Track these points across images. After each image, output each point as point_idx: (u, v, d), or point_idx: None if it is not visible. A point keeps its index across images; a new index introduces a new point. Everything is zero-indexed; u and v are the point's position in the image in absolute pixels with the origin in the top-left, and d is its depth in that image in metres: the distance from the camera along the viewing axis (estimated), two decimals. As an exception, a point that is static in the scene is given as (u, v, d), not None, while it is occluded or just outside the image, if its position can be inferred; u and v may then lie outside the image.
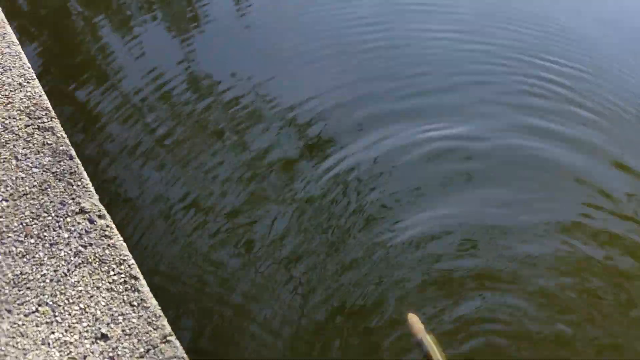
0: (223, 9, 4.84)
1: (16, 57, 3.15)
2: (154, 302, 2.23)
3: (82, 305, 2.20)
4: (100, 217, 2.48)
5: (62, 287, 2.24)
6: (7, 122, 2.81)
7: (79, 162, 2.68)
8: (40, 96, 2.96)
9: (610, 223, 3.39)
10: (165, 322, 2.18)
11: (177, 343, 2.13)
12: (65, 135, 2.79)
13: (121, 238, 2.43)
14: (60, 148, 2.72)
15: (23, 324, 2.14)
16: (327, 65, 4.43)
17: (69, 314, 2.17)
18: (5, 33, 3.31)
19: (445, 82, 4.37)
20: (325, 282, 3.02)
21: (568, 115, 4.17)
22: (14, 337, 2.10)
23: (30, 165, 2.64)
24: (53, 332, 2.12)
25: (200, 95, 4.08)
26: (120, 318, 2.17)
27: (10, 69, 3.08)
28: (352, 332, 2.86)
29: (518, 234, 3.34)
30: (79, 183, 2.59)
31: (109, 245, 2.38)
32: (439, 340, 2.75)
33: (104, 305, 2.20)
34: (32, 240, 2.37)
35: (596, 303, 2.99)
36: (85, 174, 2.64)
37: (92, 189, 2.58)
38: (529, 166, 3.77)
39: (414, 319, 2.93)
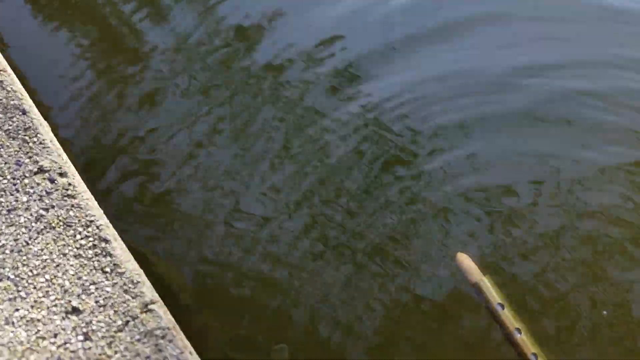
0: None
1: (-45, 5, 2.78)
2: (130, 266, 1.96)
3: (48, 277, 1.92)
4: (61, 175, 2.17)
5: (25, 257, 1.96)
6: (-51, 78, 2.47)
7: (33, 116, 2.36)
8: (-15, 47, 2.61)
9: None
10: (144, 288, 1.91)
11: (160, 312, 1.86)
12: (16, 89, 2.46)
13: (86, 197, 2.13)
14: (12, 103, 2.40)
15: (-16, 303, 1.87)
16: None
17: (34, 288, 1.90)
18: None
19: None
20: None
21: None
22: (-26, 319, 1.84)
23: (-21, 124, 2.32)
24: (17, 310, 1.85)
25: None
26: (92, 288, 1.90)
27: (-51, 19, 2.71)
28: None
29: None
30: (35, 139, 2.28)
31: (73, 205, 2.09)
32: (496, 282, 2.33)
33: (73, 275, 1.93)
34: (-13, 208, 2.08)
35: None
36: (41, 128, 2.32)
37: (50, 144, 2.27)
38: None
39: (463, 259, 2.43)
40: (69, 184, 2.14)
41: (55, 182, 2.15)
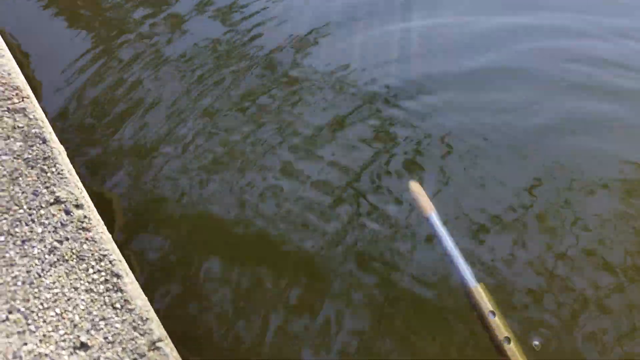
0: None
1: (-17, 33, 2.84)
2: (140, 302, 1.94)
3: (58, 310, 1.92)
4: (77, 207, 2.18)
5: (36, 290, 1.96)
6: (-27, 105, 2.51)
7: (53, 145, 2.38)
8: (10, 74, 2.65)
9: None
10: (153, 325, 1.89)
11: (167, 350, 1.84)
12: (38, 117, 2.48)
13: (101, 230, 2.13)
14: (33, 131, 2.42)
15: (-6, 335, 1.87)
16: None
17: (44, 321, 1.89)
18: (-28, 7, 2.99)
19: None
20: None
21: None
22: (-16, 350, 1.83)
23: None
24: (26, 344, 1.84)
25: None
26: (102, 323, 1.89)
27: (-23, 46, 2.77)
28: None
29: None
30: (54, 169, 2.29)
31: (87, 239, 2.09)
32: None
33: (83, 309, 1.92)
34: (2, 238, 2.08)
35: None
36: (60, 158, 2.34)
37: (67, 175, 2.28)
38: None
39: (416, 188, 2.56)
40: (85, 217, 2.14)
41: (71, 214, 2.15)
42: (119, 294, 1.95)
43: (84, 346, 1.84)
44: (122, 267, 2.03)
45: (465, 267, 2.32)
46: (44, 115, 2.57)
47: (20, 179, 2.25)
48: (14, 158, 2.32)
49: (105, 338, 1.86)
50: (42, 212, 2.16)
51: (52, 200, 2.19)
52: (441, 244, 2.37)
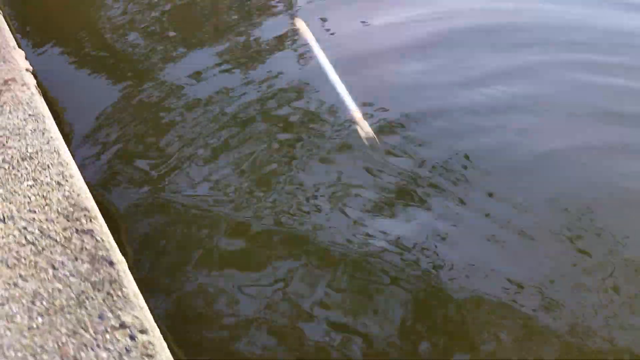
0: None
1: (54, 154, 3.01)
2: None
3: None
4: (142, 332, 2.21)
5: (100, 420, 1.95)
6: (44, 226, 2.62)
7: (119, 267, 2.44)
8: (79, 195, 2.77)
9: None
10: None
11: None
12: (105, 239, 2.57)
13: (164, 355, 2.14)
14: (100, 253, 2.50)
15: None
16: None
17: None
18: (45, 129, 3.19)
19: None
20: None
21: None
22: None
23: (68, 274, 2.41)
24: None
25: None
26: None
27: (49, 167, 2.93)
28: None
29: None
30: (120, 293, 2.34)
31: (151, 366, 2.10)
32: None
33: None
34: (68, 363, 2.11)
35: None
36: (125, 281, 2.39)
37: (133, 298, 2.32)
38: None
39: (300, 23, 4.08)
40: (149, 342, 2.16)
41: (136, 339, 2.17)
42: None
43: None
44: (186, 397, 2.02)
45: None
46: (111, 237, 2.66)
47: (87, 302, 2.31)
48: (82, 280, 2.39)
49: None
50: (107, 336, 2.19)
51: (117, 325, 2.23)
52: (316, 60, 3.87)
